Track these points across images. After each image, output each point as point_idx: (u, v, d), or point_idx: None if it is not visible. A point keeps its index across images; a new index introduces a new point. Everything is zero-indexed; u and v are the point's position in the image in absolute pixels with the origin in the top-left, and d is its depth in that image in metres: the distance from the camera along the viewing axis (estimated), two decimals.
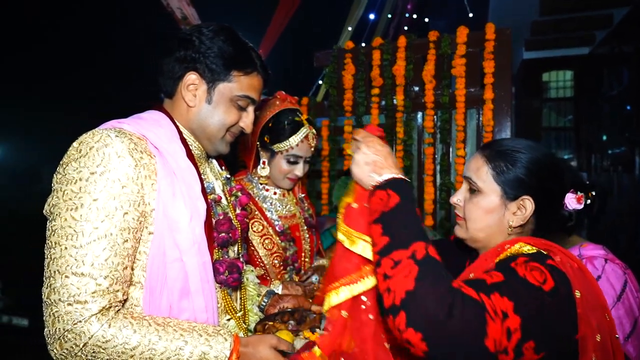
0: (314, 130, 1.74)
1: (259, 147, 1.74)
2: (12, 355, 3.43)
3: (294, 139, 1.67)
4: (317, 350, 1.00)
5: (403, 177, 0.96)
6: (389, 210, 0.90)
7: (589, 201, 1.39)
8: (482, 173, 1.06)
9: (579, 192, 1.12)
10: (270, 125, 1.70)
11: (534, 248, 0.99)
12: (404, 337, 0.81)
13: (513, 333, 0.81)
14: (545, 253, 0.97)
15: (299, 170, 1.71)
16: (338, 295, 1.00)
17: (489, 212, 1.05)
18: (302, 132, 1.69)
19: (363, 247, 0.97)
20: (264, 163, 1.73)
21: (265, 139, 1.70)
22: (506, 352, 0.81)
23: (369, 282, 0.99)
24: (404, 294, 0.81)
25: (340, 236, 1.02)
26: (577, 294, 0.89)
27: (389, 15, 6.68)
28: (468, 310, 0.80)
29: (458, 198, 1.12)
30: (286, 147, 1.67)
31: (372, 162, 0.98)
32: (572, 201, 1.11)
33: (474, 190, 1.07)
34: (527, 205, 1.03)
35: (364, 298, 1.01)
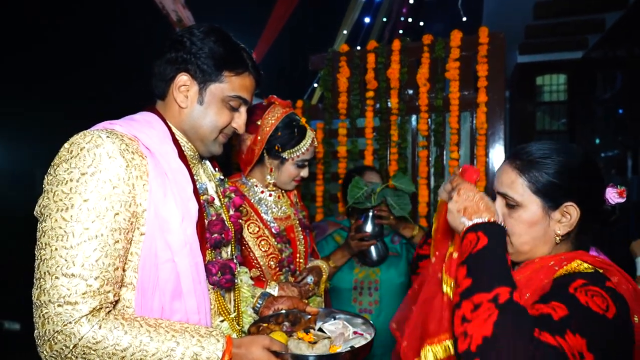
0: (313, 133, 1.78)
1: (267, 156, 1.73)
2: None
3: (304, 144, 1.70)
4: None
5: (496, 221, 0.94)
6: (475, 252, 0.88)
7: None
8: (517, 186, 1.02)
9: (619, 186, 1.07)
10: (279, 134, 1.69)
11: (591, 267, 0.96)
12: None
13: None
14: (601, 272, 0.95)
15: (305, 172, 1.76)
16: (436, 353, 0.98)
17: (532, 225, 1.02)
18: (310, 136, 1.73)
19: None
20: (271, 170, 1.73)
21: (277, 147, 1.69)
22: None
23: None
24: (481, 340, 0.77)
25: (445, 289, 1.01)
26: (636, 319, 0.89)
27: (384, 19, 6.71)
28: (549, 357, 0.77)
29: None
30: (298, 154, 1.70)
31: (463, 208, 0.96)
32: (614, 195, 1.06)
33: (512, 205, 1.04)
34: (572, 211, 1.00)
35: None
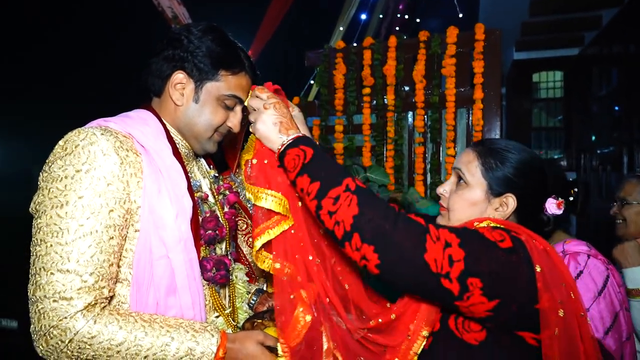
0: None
1: (243, 144, 1.75)
2: (1, 358, 3.39)
3: None
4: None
5: (307, 134, 1.06)
6: (309, 161, 0.97)
7: (571, 198, 1.41)
8: (472, 167, 1.10)
9: (559, 198, 1.16)
10: None
11: (500, 226, 1.02)
12: (361, 254, 0.90)
13: (455, 262, 0.88)
14: (510, 230, 1.01)
15: None
16: (260, 240, 1.07)
17: (472, 205, 1.09)
18: None
19: (266, 199, 1.06)
20: None
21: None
22: (449, 279, 0.88)
23: (277, 230, 1.08)
24: (352, 219, 0.90)
25: (248, 195, 1.09)
26: (538, 268, 0.93)
27: (381, 16, 6.70)
28: (410, 225, 0.91)
29: (445, 189, 1.17)
30: None
31: (279, 122, 1.04)
32: (552, 206, 1.15)
33: (461, 183, 1.12)
34: (510, 202, 1.07)
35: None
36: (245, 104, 1.16)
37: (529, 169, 1.08)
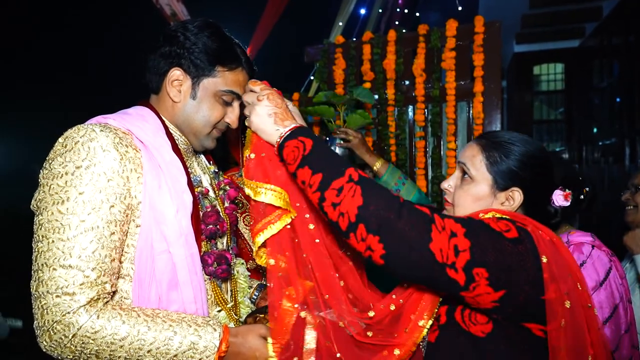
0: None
1: (243, 140, 1.76)
2: (7, 357, 3.41)
3: None
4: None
5: (303, 124, 1.04)
6: (309, 153, 0.96)
7: (581, 196, 1.41)
8: (476, 161, 1.08)
9: (567, 190, 1.14)
10: None
11: (506, 217, 1.01)
12: (366, 245, 0.89)
13: (461, 251, 0.87)
14: (516, 221, 1.00)
15: None
16: (262, 235, 1.06)
17: (477, 200, 1.08)
18: None
19: (266, 194, 1.05)
20: None
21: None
22: (455, 269, 0.87)
23: (280, 224, 1.06)
24: (357, 209, 0.89)
25: (247, 190, 1.07)
26: (544, 259, 0.92)
27: (380, 10, 6.68)
28: (415, 215, 0.89)
29: (449, 184, 1.15)
30: None
31: (273, 114, 1.02)
32: (559, 198, 1.13)
33: (466, 177, 1.10)
34: (516, 196, 1.05)
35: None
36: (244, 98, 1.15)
37: (534, 160, 1.06)
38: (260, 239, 1.07)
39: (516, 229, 0.94)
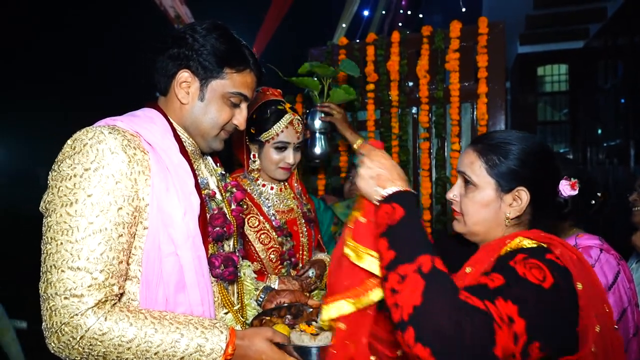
0: (298, 117, 1.76)
1: (247, 141, 1.77)
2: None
3: (279, 125, 1.70)
4: None
5: (408, 189, 0.95)
6: (394, 224, 0.89)
7: (593, 201, 1.39)
8: (475, 167, 1.07)
9: (572, 179, 1.12)
10: (254, 117, 1.72)
11: (533, 242, 0.99)
12: (413, 352, 0.80)
13: (520, 337, 0.82)
14: (545, 246, 0.98)
15: (289, 157, 1.72)
16: (340, 308, 0.99)
17: (485, 206, 1.06)
18: (286, 118, 1.71)
19: (370, 262, 0.97)
20: (254, 156, 1.76)
21: (252, 130, 1.72)
22: (513, 356, 0.83)
23: (374, 295, 0.99)
24: (412, 309, 0.80)
25: (347, 250, 1.00)
26: (579, 286, 0.90)
27: (383, 12, 6.68)
28: (477, 323, 0.80)
29: (454, 194, 1.13)
30: (272, 135, 1.70)
31: (376, 175, 0.96)
32: (566, 188, 1.12)
33: (469, 185, 1.08)
34: (522, 196, 1.04)
35: (369, 312, 1.01)
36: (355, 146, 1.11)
37: (533, 157, 1.04)
38: (347, 307, 1.00)
39: (550, 272, 0.90)
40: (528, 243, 1.00)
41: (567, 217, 1.22)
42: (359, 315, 1.00)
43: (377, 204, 0.95)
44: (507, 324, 0.82)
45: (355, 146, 2.20)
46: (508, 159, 1.04)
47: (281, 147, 1.71)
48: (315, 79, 2.26)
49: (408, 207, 0.91)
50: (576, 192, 1.12)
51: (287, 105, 1.76)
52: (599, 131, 6.16)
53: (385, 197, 0.93)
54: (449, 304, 0.80)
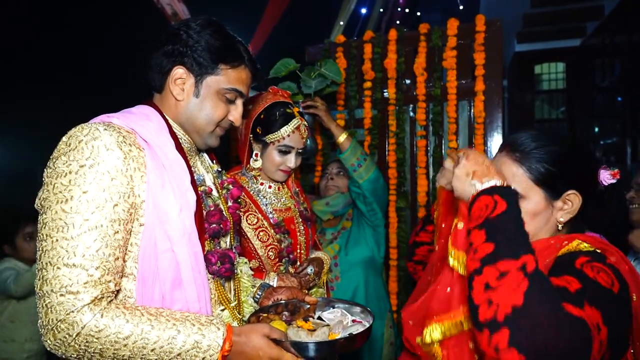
0: (305, 122, 1.76)
1: (252, 140, 1.77)
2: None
3: (286, 130, 1.70)
4: None
5: (509, 184, 0.90)
6: (494, 217, 0.83)
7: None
8: (519, 178, 1.02)
9: (611, 168, 1.07)
10: (262, 117, 1.72)
11: (590, 246, 0.97)
12: (501, 357, 0.74)
13: (602, 346, 0.79)
14: (600, 252, 0.96)
15: (291, 161, 1.73)
16: (446, 331, 0.96)
17: (536, 215, 1.02)
18: (294, 123, 1.71)
19: None
20: (256, 155, 1.76)
21: (258, 130, 1.72)
22: None
23: None
24: (510, 309, 0.74)
25: (452, 262, 0.95)
26: (634, 297, 0.89)
27: (381, 10, 6.68)
28: (576, 331, 0.75)
29: None
30: (278, 138, 1.70)
31: (472, 172, 0.91)
32: (607, 177, 1.06)
33: None
34: (573, 199, 1.01)
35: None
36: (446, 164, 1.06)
37: (570, 156, 1.01)
38: (435, 335, 0.98)
39: (616, 277, 0.88)
40: (585, 246, 0.97)
41: (611, 208, 1.19)
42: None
43: (474, 194, 0.89)
44: (597, 330, 0.78)
45: (340, 140, 2.22)
46: (550, 164, 1.00)
47: (285, 151, 1.72)
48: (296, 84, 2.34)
49: (511, 200, 0.85)
50: (617, 180, 1.06)
51: (296, 110, 1.76)
52: (596, 129, 6.18)
53: (485, 189, 0.88)
54: (550, 309, 0.75)
